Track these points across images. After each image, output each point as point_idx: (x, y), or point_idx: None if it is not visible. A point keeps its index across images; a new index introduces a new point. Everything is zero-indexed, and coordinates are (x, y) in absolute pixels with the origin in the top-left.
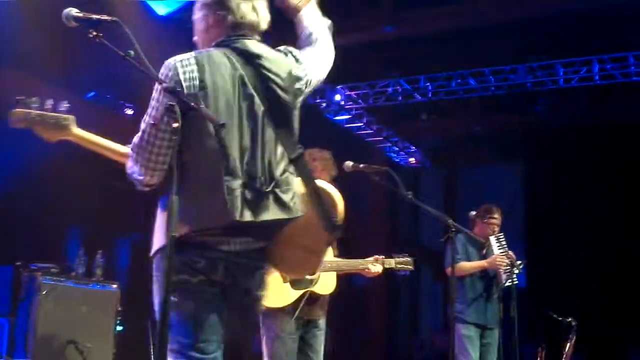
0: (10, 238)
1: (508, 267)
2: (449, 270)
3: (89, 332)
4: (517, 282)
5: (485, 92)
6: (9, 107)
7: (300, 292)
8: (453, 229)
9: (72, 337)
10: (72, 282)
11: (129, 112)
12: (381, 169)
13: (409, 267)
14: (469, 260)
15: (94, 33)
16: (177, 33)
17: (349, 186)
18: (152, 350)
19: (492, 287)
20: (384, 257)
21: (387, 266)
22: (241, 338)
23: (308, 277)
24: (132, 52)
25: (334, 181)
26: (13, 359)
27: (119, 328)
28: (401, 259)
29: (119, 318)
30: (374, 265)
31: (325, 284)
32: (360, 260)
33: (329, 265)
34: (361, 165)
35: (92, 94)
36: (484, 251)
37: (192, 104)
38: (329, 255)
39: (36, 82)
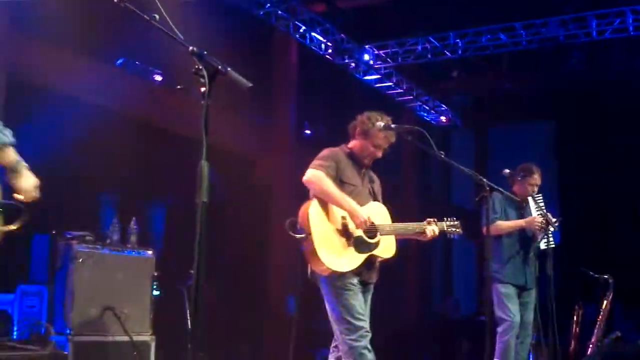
0: (46, 207)
1: (544, 228)
2: (483, 229)
3: (126, 298)
4: (553, 244)
5: (517, 47)
6: (41, 77)
7: (365, 255)
8: (487, 188)
9: (109, 303)
10: (107, 249)
11: (158, 78)
12: (413, 128)
13: (459, 230)
14: (507, 219)
15: None
16: None
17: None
18: (188, 314)
19: (530, 247)
20: (435, 220)
21: (440, 229)
22: None
23: (370, 240)
24: (157, 16)
25: None
26: (53, 326)
27: (156, 293)
28: (451, 222)
29: (155, 283)
30: (430, 226)
31: (386, 247)
32: (415, 224)
33: (388, 228)
34: (393, 125)
35: (120, 60)
36: (523, 211)
37: (219, 67)
38: (387, 219)
39: (65, 52)
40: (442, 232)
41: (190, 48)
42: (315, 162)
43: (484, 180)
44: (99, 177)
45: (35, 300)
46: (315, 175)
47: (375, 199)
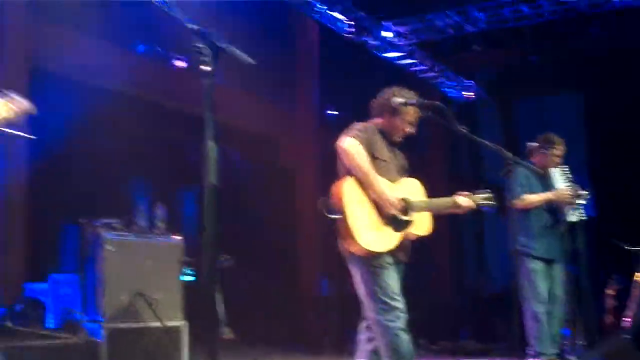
0: (76, 196)
1: (573, 200)
2: (511, 202)
3: (156, 284)
4: (584, 215)
5: (539, 19)
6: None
7: (401, 234)
8: (511, 162)
9: (139, 290)
10: (135, 236)
11: (180, 63)
12: (432, 103)
13: (493, 202)
14: (532, 192)
15: None
16: None
17: None
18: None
19: (558, 220)
20: (468, 193)
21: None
22: None
23: (404, 217)
24: None
25: None
26: (85, 313)
27: (191, 278)
28: (484, 195)
29: (187, 269)
30: (464, 199)
31: (421, 224)
32: (449, 198)
33: (422, 205)
34: (411, 101)
35: (142, 47)
36: (546, 183)
37: (221, 44)
38: (420, 195)
39: (87, 38)
40: (476, 206)
41: (191, 26)
42: (352, 131)
43: (508, 153)
44: (128, 164)
45: (67, 288)
46: (352, 145)
47: (405, 175)
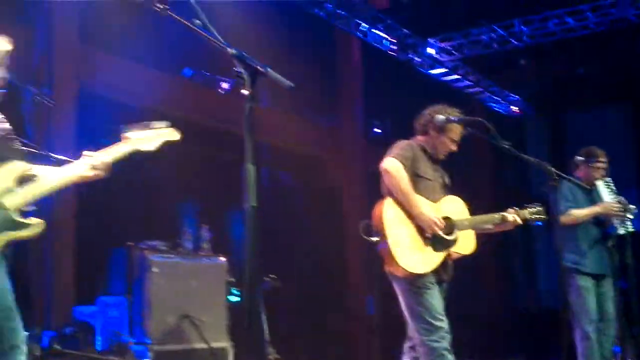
0: (124, 219)
1: (621, 213)
2: (559, 219)
3: (202, 305)
4: (632, 228)
5: (586, 31)
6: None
7: (443, 254)
8: (555, 177)
9: (185, 311)
10: (180, 257)
11: (225, 86)
12: (475, 119)
13: (543, 216)
14: (578, 207)
15: (160, 6)
16: None
17: None
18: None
19: (606, 234)
20: (516, 208)
21: (521, 218)
22: None
23: (448, 237)
24: (197, 21)
25: None
26: (133, 336)
27: (236, 299)
28: (534, 209)
29: (231, 289)
30: (512, 215)
31: (465, 243)
32: (494, 215)
33: (466, 223)
34: (453, 118)
35: (188, 71)
36: (591, 197)
37: (258, 67)
38: (464, 213)
39: (133, 63)
40: (525, 221)
41: (230, 50)
42: (395, 150)
43: (551, 168)
44: (175, 186)
45: (115, 311)
46: (394, 167)
47: (449, 193)
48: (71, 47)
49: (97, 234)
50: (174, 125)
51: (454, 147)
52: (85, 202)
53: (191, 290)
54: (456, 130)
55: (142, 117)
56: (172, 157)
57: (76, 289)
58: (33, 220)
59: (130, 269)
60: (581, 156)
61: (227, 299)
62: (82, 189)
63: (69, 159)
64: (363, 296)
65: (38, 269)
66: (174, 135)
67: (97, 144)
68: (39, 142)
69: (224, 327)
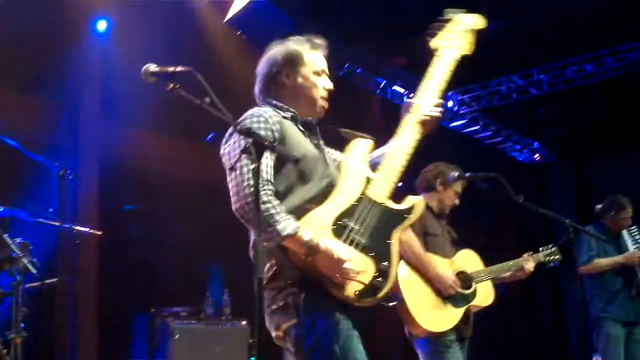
0: (148, 285)
1: None
2: (581, 269)
3: None
4: None
5: (604, 76)
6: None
7: (463, 309)
8: (571, 230)
9: None
10: (202, 323)
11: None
12: (488, 175)
13: (558, 257)
14: (605, 255)
15: (171, 85)
16: None
17: (473, 189)
18: None
19: (633, 282)
20: (531, 252)
21: (536, 262)
22: None
23: (466, 292)
24: (207, 99)
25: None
26: None
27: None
28: (548, 251)
29: (253, 353)
30: (527, 263)
31: (484, 295)
32: (510, 262)
33: (483, 274)
34: (467, 175)
35: (211, 135)
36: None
37: (266, 142)
38: (479, 265)
39: (158, 135)
40: (541, 264)
41: (239, 127)
42: None
43: (567, 221)
44: (199, 250)
45: None
46: (405, 234)
47: (458, 247)
48: (95, 120)
49: (120, 299)
50: (197, 188)
51: (457, 201)
52: (108, 267)
53: (213, 355)
54: (460, 185)
55: (165, 186)
56: (194, 220)
57: (100, 355)
58: (409, 199)
59: (153, 335)
60: (606, 206)
61: None
62: (104, 254)
63: (92, 231)
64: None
65: (62, 334)
66: (477, 20)
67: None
68: (63, 215)
69: None
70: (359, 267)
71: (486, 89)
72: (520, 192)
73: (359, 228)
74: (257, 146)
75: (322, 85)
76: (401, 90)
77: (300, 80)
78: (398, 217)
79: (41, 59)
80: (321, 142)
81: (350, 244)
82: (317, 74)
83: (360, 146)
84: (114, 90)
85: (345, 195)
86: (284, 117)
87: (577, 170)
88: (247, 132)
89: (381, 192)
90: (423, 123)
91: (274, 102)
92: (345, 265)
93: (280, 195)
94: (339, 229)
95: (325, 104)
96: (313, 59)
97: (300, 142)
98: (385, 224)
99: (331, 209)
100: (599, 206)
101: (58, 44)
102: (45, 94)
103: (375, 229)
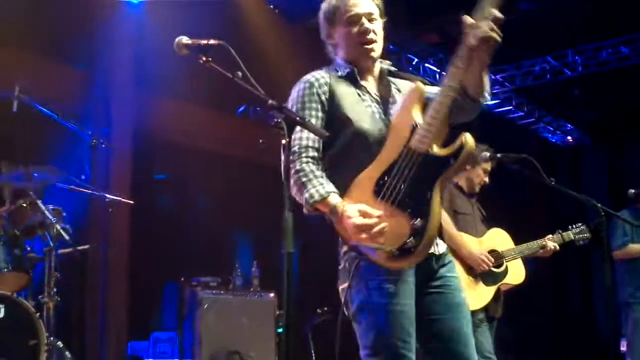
0: (177, 254)
1: None
2: (614, 253)
3: (251, 341)
4: None
5: None
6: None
7: (495, 287)
8: (602, 213)
9: (235, 347)
10: (230, 294)
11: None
12: (519, 157)
13: (587, 234)
14: (639, 241)
15: (204, 58)
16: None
17: (505, 170)
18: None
19: None
20: (560, 231)
21: (566, 239)
22: None
23: (497, 270)
24: (239, 73)
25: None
26: None
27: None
28: (577, 229)
29: (280, 325)
30: (552, 242)
31: (515, 273)
32: (538, 241)
33: (513, 253)
34: (498, 155)
35: (242, 108)
36: None
37: (297, 118)
38: (510, 243)
39: (189, 107)
40: (570, 242)
41: (269, 102)
42: None
43: (599, 205)
44: (229, 221)
45: (166, 346)
46: None
47: (488, 225)
48: (127, 91)
49: (150, 267)
50: (227, 161)
51: (487, 179)
52: (139, 236)
53: (241, 326)
54: (491, 163)
55: (196, 157)
56: (225, 193)
57: (131, 325)
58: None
59: (182, 305)
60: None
61: (277, 333)
62: (135, 222)
63: (123, 199)
64: None
65: (93, 299)
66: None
67: (150, 181)
68: (95, 183)
69: None
70: (392, 229)
71: (520, 69)
72: (551, 173)
73: (396, 183)
74: (287, 122)
75: (357, 32)
76: (434, 68)
77: (339, 35)
78: (439, 165)
79: (75, 28)
80: (393, 87)
81: (388, 202)
82: (352, 22)
83: (413, 92)
84: (147, 60)
85: (388, 150)
86: (340, 77)
87: (611, 154)
88: (279, 108)
89: (424, 138)
90: (482, 41)
91: (337, 60)
92: (368, 230)
93: (339, 158)
94: (379, 189)
95: (371, 47)
96: (348, 8)
97: (352, 103)
98: (425, 175)
99: (376, 168)
100: (632, 191)
101: (92, 13)
102: (78, 63)
103: (413, 182)
